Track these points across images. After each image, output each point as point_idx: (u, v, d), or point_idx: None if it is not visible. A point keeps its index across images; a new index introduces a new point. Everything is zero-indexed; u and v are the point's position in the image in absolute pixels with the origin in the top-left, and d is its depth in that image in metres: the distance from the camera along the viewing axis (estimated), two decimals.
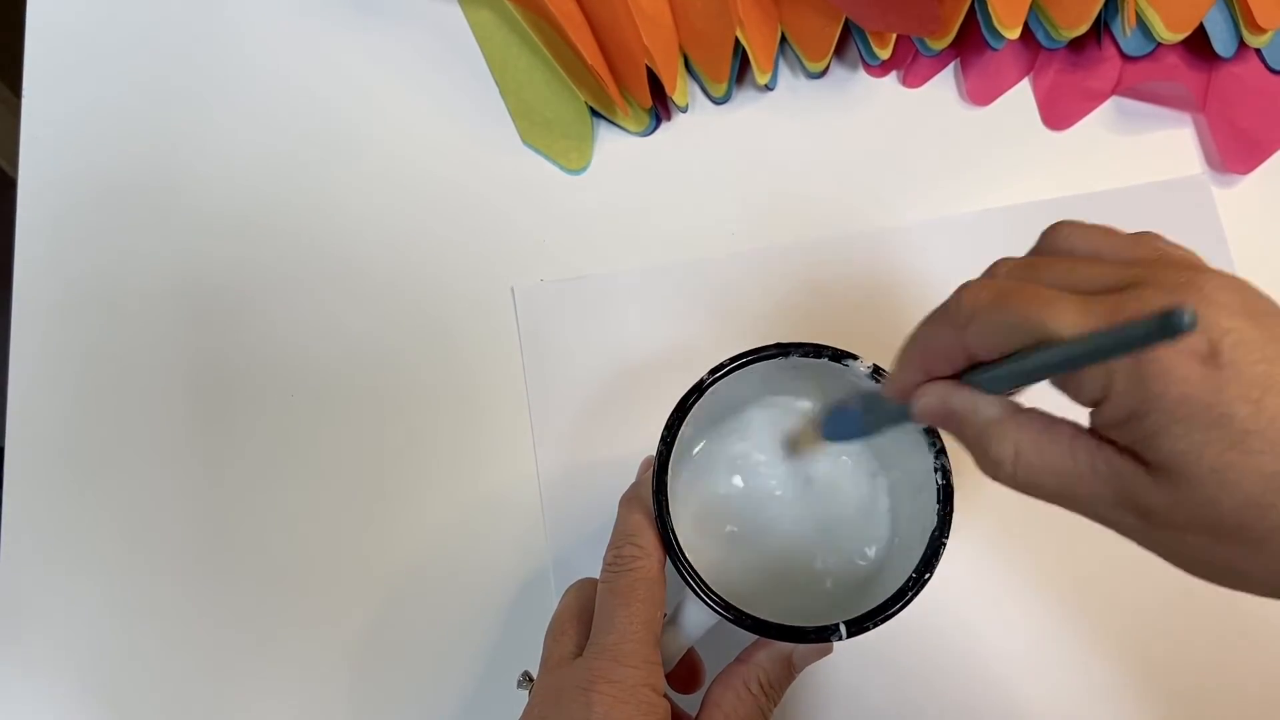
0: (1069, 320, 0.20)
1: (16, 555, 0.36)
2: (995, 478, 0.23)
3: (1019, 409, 0.23)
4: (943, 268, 0.40)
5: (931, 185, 0.41)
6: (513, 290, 0.39)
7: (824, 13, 0.40)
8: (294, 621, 0.36)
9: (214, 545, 0.36)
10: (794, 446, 0.32)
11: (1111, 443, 0.21)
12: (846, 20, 0.40)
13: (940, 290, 0.41)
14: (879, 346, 0.38)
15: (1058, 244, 0.24)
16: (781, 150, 0.41)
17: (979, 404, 0.23)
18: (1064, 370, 0.21)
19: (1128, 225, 0.39)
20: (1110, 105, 0.42)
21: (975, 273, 0.41)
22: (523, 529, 0.37)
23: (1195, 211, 0.41)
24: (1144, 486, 0.21)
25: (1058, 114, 0.42)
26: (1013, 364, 0.22)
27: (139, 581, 0.36)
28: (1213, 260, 0.41)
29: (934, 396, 0.24)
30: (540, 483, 0.37)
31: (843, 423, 0.29)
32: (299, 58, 0.42)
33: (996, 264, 0.24)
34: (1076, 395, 0.21)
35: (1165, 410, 0.20)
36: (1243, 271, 0.40)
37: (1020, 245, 0.42)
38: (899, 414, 0.26)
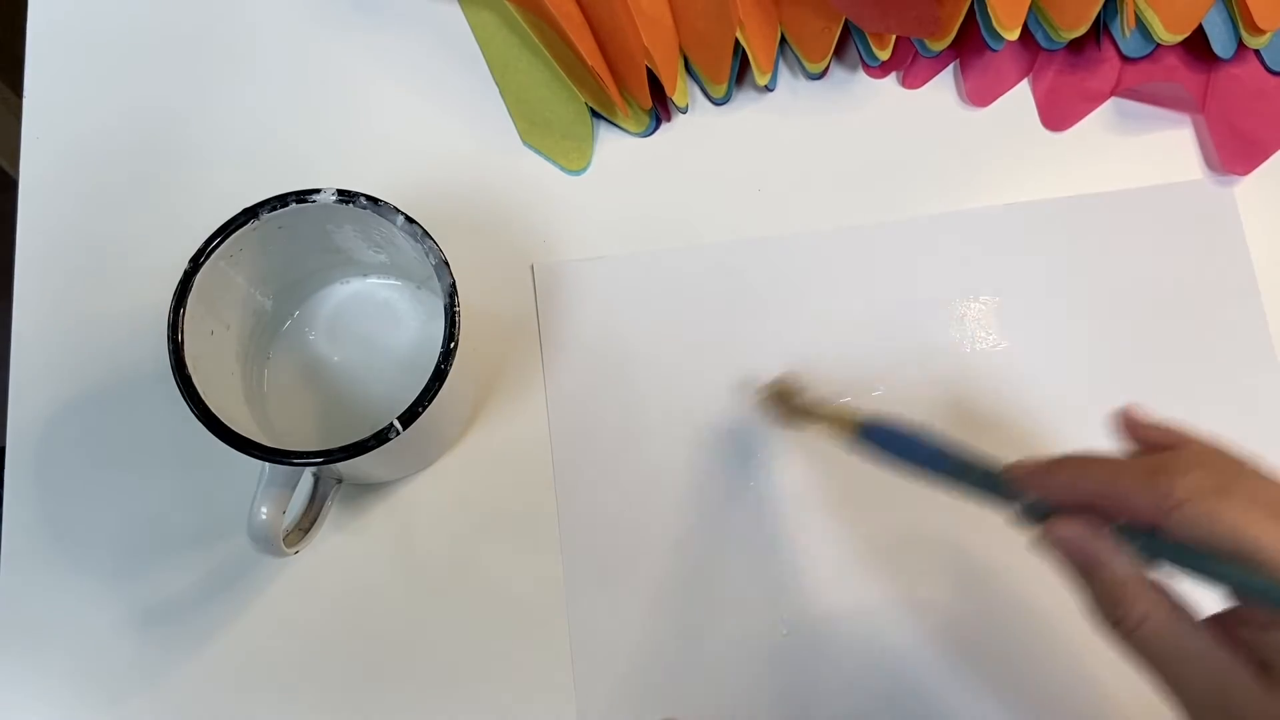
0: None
1: (17, 556, 0.36)
2: (1110, 628, 0.24)
3: (1151, 577, 0.24)
4: (940, 264, 0.40)
5: (931, 186, 0.41)
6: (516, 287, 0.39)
7: (824, 14, 0.40)
8: (294, 621, 0.36)
9: (216, 545, 0.36)
10: (787, 415, 0.34)
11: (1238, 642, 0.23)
12: (846, 21, 0.40)
13: (938, 286, 0.41)
14: (876, 339, 0.38)
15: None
16: (781, 151, 0.41)
17: (1121, 561, 0.24)
18: (1253, 596, 0.22)
19: (1136, 227, 0.39)
20: (1109, 106, 0.42)
21: (973, 268, 0.41)
22: (533, 526, 0.37)
23: (1208, 214, 0.41)
24: (1247, 692, 0.22)
25: (1057, 115, 0.42)
26: (1196, 560, 0.23)
27: (141, 582, 0.36)
28: (1219, 262, 0.41)
29: (1076, 532, 0.25)
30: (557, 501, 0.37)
31: (906, 446, 0.30)
32: (300, 57, 0.42)
33: (1186, 450, 0.25)
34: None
35: None
36: (1242, 274, 0.40)
37: (1018, 242, 0.42)
38: (999, 489, 0.27)
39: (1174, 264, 0.40)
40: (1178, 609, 0.24)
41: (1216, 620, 0.24)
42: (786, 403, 0.35)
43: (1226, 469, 0.24)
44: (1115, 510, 0.24)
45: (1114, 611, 0.24)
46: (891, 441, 0.30)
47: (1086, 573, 0.25)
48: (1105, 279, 0.40)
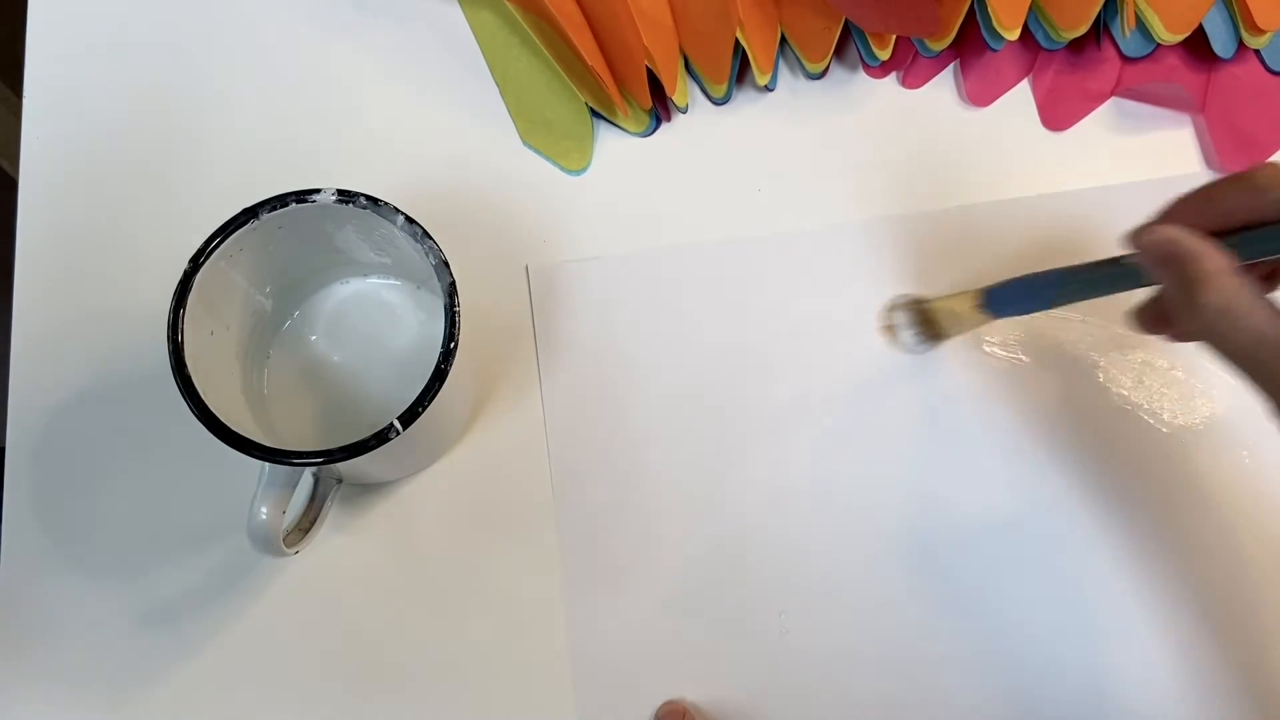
0: None
1: (17, 556, 0.36)
2: (1192, 322, 0.25)
3: (1241, 270, 0.25)
4: (937, 260, 0.40)
5: (931, 186, 0.41)
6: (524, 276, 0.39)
7: (824, 14, 0.40)
8: (294, 621, 0.36)
9: (216, 545, 0.36)
10: (918, 321, 0.37)
11: None
12: (846, 21, 0.40)
13: (935, 280, 0.41)
14: (876, 337, 0.38)
15: None
16: (781, 151, 0.41)
17: (1210, 253, 0.25)
18: None
19: (1134, 220, 0.39)
20: (1110, 106, 0.42)
21: (974, 264, 0.41)
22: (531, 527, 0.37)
23: None
24: None
25: (1057, 115, 0.42)
26: None
27: (141, 582, 0.36)
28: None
29: (1166, 234, 0.26)
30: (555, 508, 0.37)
31: (1021, 296, 0.33)
32: (300, 57, 0.42)
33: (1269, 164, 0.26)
34: None
35: None
36: None
37: (1019, 239, 0.42)
38: (1119, 276, 0.28)
39: None
40: (1261, 299, 0.25)
41: None
42: (916, 308, 0.37)
43: None
44: (1213, 222, 0.26)
45: (1193, 305, 0.25)
46: (1020, 293, 0.33)
47: (1174, 277, 0.26)
48: None
